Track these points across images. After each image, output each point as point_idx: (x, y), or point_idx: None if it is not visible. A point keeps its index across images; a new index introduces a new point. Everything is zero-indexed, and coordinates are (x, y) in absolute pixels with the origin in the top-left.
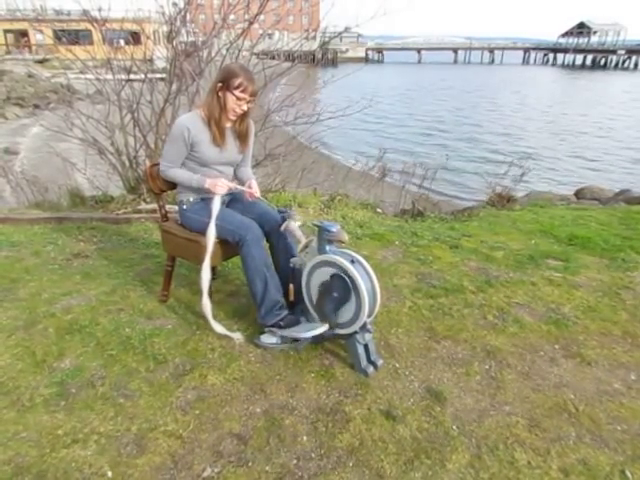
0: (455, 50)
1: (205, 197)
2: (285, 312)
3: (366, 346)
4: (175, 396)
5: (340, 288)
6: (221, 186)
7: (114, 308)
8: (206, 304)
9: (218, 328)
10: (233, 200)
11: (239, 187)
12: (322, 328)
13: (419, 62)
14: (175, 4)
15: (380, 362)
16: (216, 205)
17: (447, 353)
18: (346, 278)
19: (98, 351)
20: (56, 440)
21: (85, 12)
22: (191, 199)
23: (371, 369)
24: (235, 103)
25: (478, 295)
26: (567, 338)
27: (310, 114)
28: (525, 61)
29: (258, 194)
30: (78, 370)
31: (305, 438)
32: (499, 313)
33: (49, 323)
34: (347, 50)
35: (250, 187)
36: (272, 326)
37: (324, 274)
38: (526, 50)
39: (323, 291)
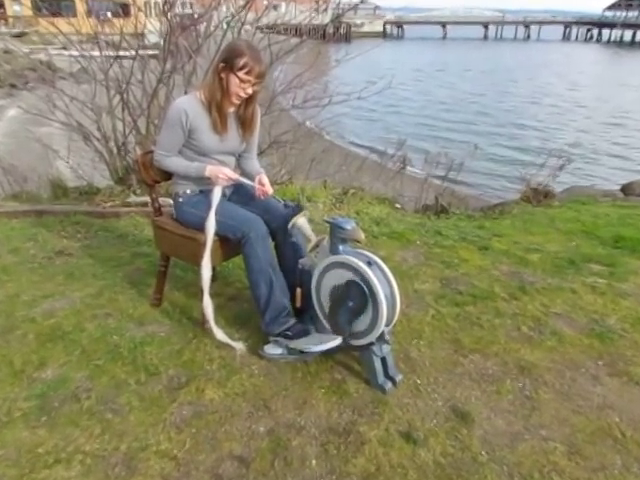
0: (485, 25)
1: (204, 189)
2: (293, 320)
3: (384, 359)
4: (169, 412)
5: (356, 296)
6: (223, 177)
7: (101, 312)
8: (207, 304)
9: (219, 334)
10: (235, 193)
11: (245, 180)
12: (335, 341)
13: (444, 38)
14: None
15: (399, 377)
16: (216, 195)
17: (475, 368)
18: (363, 285)
19: (83, 361)
20: (37, 459)
21: None
22: (188, 191)
23: (389, 385)
24: (239, 86)
25: (511, 303)
26: (612, 354)
27: (320, 97)
28: (565, 37)
29: (271, 191)
30: (61, 381)
31: (314, 462)
32: (535, 324)
33: (29, 329)
34: (362, 24)
35: (262, 184)
36: (278, 335)
37: (337, 277)
38: (567, 25)
39: (337, 299)
